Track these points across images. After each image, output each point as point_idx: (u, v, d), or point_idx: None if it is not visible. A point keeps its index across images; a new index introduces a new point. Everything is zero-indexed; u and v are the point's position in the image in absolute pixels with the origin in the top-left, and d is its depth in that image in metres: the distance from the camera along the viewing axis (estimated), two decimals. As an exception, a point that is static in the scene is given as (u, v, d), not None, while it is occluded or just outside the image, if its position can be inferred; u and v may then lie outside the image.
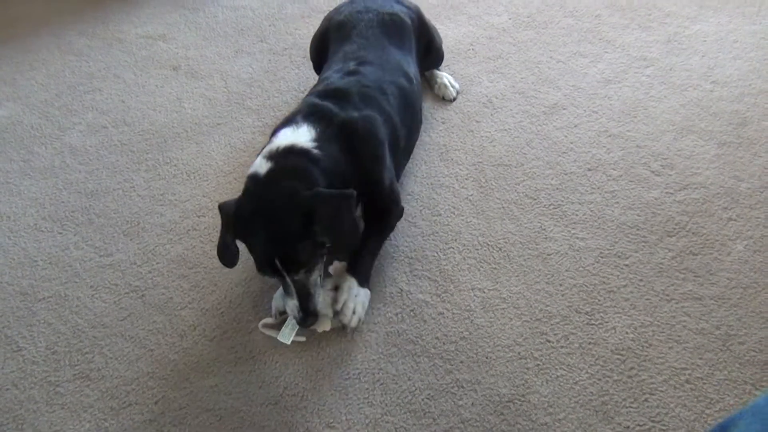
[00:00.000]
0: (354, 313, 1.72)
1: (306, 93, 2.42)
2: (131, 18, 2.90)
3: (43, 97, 2.53)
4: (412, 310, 1.80)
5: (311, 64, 2.41)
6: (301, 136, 1.69)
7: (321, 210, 1.55)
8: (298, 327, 1.69)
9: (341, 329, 1.75)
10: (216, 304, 1.85)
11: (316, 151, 1.67)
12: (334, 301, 1.73)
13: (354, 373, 1.67)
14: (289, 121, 1.76)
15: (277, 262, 1.56)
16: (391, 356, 1.71)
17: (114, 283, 1.91)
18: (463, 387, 1.64)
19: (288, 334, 1.68)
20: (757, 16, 2.71)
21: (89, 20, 2.90)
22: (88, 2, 3.01)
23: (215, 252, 1.74)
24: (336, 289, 1.76)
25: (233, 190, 2.13)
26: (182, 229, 2.04)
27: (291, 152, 1.65)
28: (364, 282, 1.78)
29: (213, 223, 2.04)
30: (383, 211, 1.89)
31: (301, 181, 1.59)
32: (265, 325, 1.74)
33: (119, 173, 2.22)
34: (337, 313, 1.72)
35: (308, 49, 2.43)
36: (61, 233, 2.05)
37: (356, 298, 1.74)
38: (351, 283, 1.75)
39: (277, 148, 1.66)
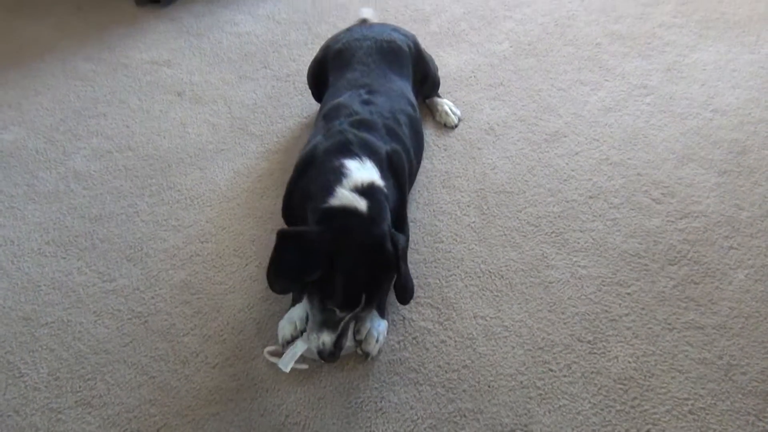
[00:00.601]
0: (377, 341, 1.73)
1: (313, 118, 2.46)
2: (136, 44, 2.93)
3: (48, 121, 2.55)
4: (414, 338, 1.80)
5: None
6: (373, 172, 1.73)
7: (403, 248, 1.64)
8: (299, 355, 1.68)
9: (358, 357, 1.76)
10: (218, 330, 1.85)
11: (386, 190, 1.72)
12: (357, 331, 1.72)
13: (356, 401, 1.67)
14: (346, 151, 1.76)
15: (363, 299, 1.57)
16: (394, 384, 1.70)
17: (117, 309, 1.91)
18: (465, 416, 1.63)
19: (288, 362, 1.66)
20: (755, 45, 2.74)
21: (95, 46, 2.92)
22: (94, 28, 3.04)
23: (264, 276, 1.68)
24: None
25: (237, 216, 2.14)
26: (185, 255, 2.04)
27: (374, 190, 1.69)
28: (383, 313, 1.80)
29: (216, 249, 2.05)
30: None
31: (387, 220, 1.66)
32: (270, 353, 1.74)
33: (123, 198, 2.23)
34: (359, 342, 1.72)
35: (307, 74, 2.45)
36: (64, 258, 2.05)
37: (378, 327, 1.75)
38: (373, 314, 1.76)
39: (362, 183, 1.67)
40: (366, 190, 1.66)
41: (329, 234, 1.57)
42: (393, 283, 1.68)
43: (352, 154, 1.75)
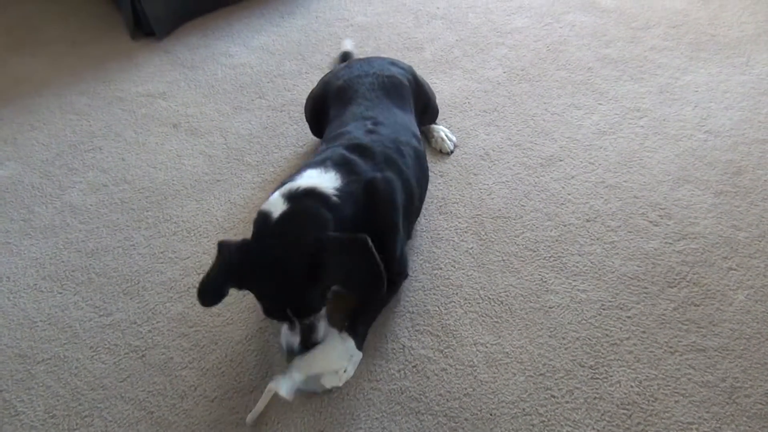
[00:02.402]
0: (345, 372, 1.71)
1: (309, 147, 2.46)
2: (132, 77, 2.95)
3: (44, 156, 2.55)
4: (414, 366, 1.79)
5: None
6: (326, 181, 1.67)
7: (329, 255, 1.51)
8: (298, 382, 1.65)
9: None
10: (216, 363, 1.83)
11: (335, 199, 1.64)
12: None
13: (357, 433, 1.65)
14: (317, 164, 1.74)
15: (288, 311, 1.56)
16: (395, 414, 1.69)
17: (114, 344, 1.89)
18: (468, 445, 1.62)
19: (290, 388, 1.64)
20: (746, 66, 2.77)
21: (90, 80, 2.94)
22: (89, 62, 3.06)
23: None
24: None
25: (233, 247, 2.13)
26: (182, 287, 2.03)
27: (310, 195, 1.62)
28: (360, 345, 1.78)
29: (213, 280, 2.04)
30: (389, 280, 1.77)
31: (313, 227, 1.56)
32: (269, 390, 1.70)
33: (119, 231, 2.23)
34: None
35: (304, 109, 2.46)
36: (60, 293, 2.04)
37: (351, 358, 1.74)
38: (350, 344, 1.74)
39: (297, 188, 1.63)
40: (295, 195, 1.61)
41: (243, 243, 1.58)
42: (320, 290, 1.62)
43: (319, 165, 1.73)
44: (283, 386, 1.62)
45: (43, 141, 2.63)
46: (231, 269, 1.55)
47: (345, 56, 2.83)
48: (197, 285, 1.56)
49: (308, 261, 1.52)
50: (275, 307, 1.58)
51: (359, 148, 1.83)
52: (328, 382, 1.68)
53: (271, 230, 1.57)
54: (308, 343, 1.66)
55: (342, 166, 1.74)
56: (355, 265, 1.55)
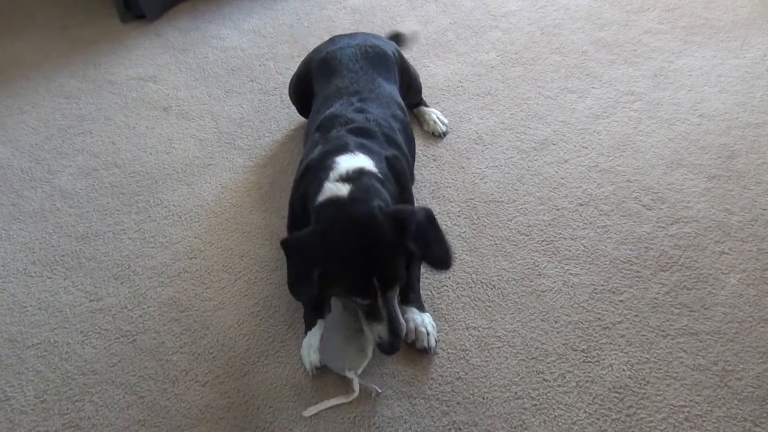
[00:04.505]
0: (428, 334, 1.74)
1: (301, 131, 2.44)
2: (122, 60, 2.91)
3: (33, 140, 2.52)
4: (406, 351, 1.78)
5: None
6: (363, 162, 1.69)
7: (412, 223, 1.54)
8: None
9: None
10: (208, 347, 1.82)
11: (380, 175, 1.68)
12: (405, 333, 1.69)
13: (349, 417, 1.65)
14: (342, 150, 1.73)
15: (375, 281, 1.52)
16: (387, 398, 1.68)
17: (104, 328, 1.88)
18: (460, 429, 1.62)
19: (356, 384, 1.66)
20: (740, 50, 2.75)
21: (80, 63, 2.91)
22: (79, 46, 3.02)
23: (286, 290, 1.64)
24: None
25: (225, 231, 2.12)
26: (173, 272, 2.02)
27: (363, 174, 1.64)
28: (421, 308, 1.81)
29: (205, 265, 2.03)
30: None
31: (382, 200, 1.59)
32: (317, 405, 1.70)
33: (110, 216, 2.21)
34: (412, 344, 1.75)
35: (288, 90, 2.44)
36: (50, 278, 2.03)
37: (423, 321, 1.76)
38: (412, 312, 1.77)
39: (347, 171, 1.64)
40: (351, 176, 1.63)
41: (320, 227, 1.56)
42: (414, 261, 1.64)
43: (345, 151, 1.73)
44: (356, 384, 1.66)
45: (32, 125, 2.60)
46: (316, 252, 1.53)
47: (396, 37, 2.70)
48: (287, 286, 1.58)
49: (392, 226, 1.53)
50: (364, 279, 1.53)
51: (362, 131, 1.84)
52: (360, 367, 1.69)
53: (348, 208, 1.57)
54: (397, 332, 1.59)
55: (361, 148, 1.75)
56: (431, 234, 1.59)
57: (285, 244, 1.58)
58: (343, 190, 1.59)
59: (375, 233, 1.53)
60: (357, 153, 1.72)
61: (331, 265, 1.53)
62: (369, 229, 1.53)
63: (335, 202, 1.59)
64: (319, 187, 1.65)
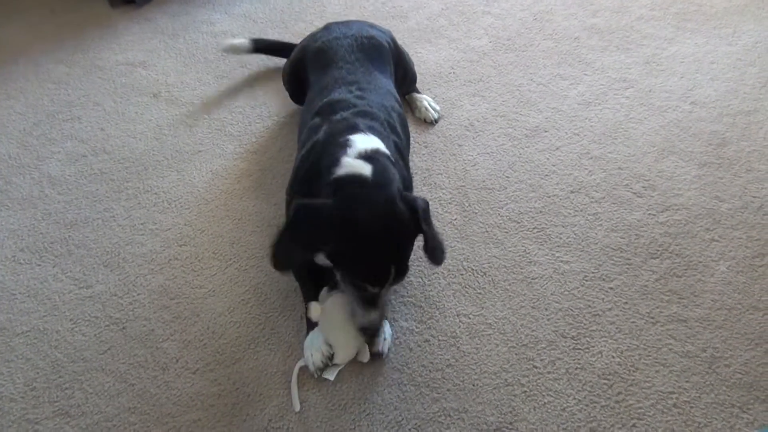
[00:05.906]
0: (385, 340, 1.73)
1: (292, 117, 2.43)
2: (111, 45, 2.88)
3: (21, 126, 2.50)
4: (397, 338, 1.78)
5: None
6: (377, 143, 1.67)
7: (421, 211, 1.53)
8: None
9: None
10: (198, 335, 1.82)
11: (393, 158, 1.67)
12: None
13: (340, 404, 1.65)
14: (353, 129, 1.71)
15: (393, 271, 1.51)
16: (377, 386, 1.69)
17: (94, 316, 1.87)
18: (450, 416, 1.62)
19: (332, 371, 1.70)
20: (732, 37, 2.75)
21: (68, 48, 2.87)
22: (67, 30, 2.99)
23: (278, 277, 1.68)
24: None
25: (216, 218, 2.11)
26: (163, 259, 2.01)
27: (380, 154, 1.63)
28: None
29: (195, 252, 2.02)
30: None
31: (397, 184, 1.58)
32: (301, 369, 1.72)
33: (99, 202, 2.19)
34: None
35: (282, 75, 2.43)
36: (39, 265, 2.01)
37: (384, 326, 1.75)
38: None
39: (366, 150, 1.62)
40: (370, 155, 1.61)
41: (340, 203, 1.51)
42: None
43: (356, 130, 1.71)
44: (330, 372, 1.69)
45: (20, 110, 2.57)
46: (334, 228, 1.49)
47: None
48: (272, 248, 1.52)
49: (411, 215, 1.53)
50: (384, 267, 1.51)
51: (367, 114, 1.82)
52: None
53: (374, 190, 1.54)
54: (384, 317, 1.65)
55: (371, 130, 1.74)
56: (430, 225, 1.59)
57: (301, 206, 1.51)
58: (366, 169, 1.56)
59: (398, 220, 1.51)
60: (368, 134, 1.70)
61: (348, 247, 1.50)
62: (393, 216, 1.51)
63: (358, 179, 1.55)
64: (334, 161, 1.61)
